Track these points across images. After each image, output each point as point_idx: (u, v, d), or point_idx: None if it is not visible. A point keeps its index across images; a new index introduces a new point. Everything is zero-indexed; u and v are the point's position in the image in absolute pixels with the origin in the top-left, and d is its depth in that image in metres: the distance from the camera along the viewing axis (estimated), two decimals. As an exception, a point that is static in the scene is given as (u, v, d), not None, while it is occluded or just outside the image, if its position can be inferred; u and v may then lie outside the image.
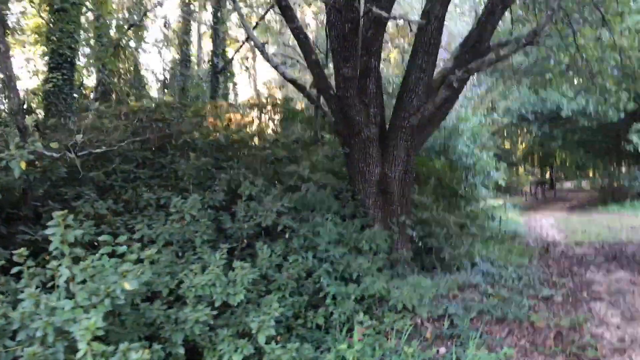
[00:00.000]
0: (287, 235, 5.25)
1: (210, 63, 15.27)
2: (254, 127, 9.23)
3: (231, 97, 21.67)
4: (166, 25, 13.73)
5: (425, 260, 8.07)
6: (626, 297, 7.25)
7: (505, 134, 26.87)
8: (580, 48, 11.89)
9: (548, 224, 17.79)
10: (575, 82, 14.59)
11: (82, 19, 11.76)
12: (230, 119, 8.24)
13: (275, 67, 7.48)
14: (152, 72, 15.83)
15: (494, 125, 27.04)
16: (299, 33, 6.78)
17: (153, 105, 7.45)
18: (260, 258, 4.97)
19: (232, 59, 11.31)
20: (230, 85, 21.26)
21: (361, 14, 6.28)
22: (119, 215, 5.17)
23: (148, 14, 14.61)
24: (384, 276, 5.62)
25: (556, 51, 13.68)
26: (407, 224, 7.10)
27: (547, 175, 40.13)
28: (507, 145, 35.16)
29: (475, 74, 6.99)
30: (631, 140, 19.82)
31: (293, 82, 7.49)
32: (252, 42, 7.63)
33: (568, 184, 39.27)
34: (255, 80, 30.95)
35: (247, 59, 24.12)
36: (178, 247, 4.49)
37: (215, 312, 3.59)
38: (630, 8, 11.38)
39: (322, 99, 7.54)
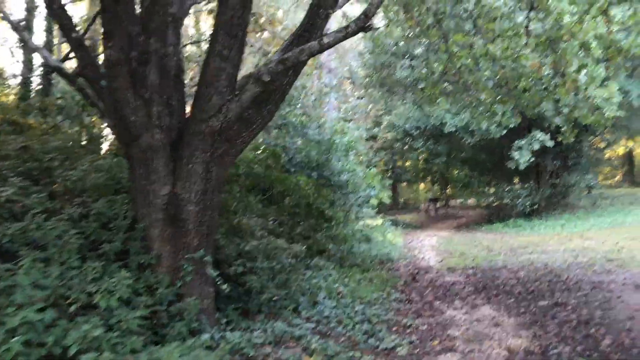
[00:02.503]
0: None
1: (43, 61, 12.96)
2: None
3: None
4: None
5: (250, 303, 6.39)
6: (483, 344, 5.92)
7: (393, 151, 26.12)
8: (452, 56, 10.87)
9: (429, 245, 16.80)
10: (451, 94, 13.66)
11: None
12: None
13: (35, 50, 5.59)
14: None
15: (380, 141, 26.31)
16: (52, 2, 4.94)
17: None
18: None
19: (70, 54, 9.17)
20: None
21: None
22: None
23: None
24: (132, 344, 3.83)
25: (430, 60, 12.70)
26: (207, 261, 5.37)
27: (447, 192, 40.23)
28: (405, 162, 34.75)
29: (293, 65, 5.42)
30: (513, 157, 19.45)
31: (58, 70, 5.62)
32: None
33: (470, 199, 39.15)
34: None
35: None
36: None
37: None
38: (502, 13, 10.43)
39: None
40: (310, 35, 6.00)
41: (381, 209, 33.54)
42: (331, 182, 13.81)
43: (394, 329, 6.55)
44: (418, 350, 5.77)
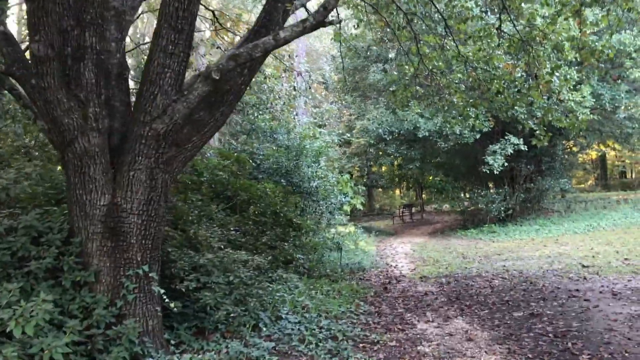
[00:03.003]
0: None
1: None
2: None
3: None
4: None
5: (206, 321, 5.89)
6: (455, 363, 5.52)
7: (367, 156, 25.71)
8: (423, 57, 10.56)
9: (403, 252, 16.44)
10: (423, 97, 13.33)
11: None
12: None
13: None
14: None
15: (354, 146, 25.92)
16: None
17: None
18: None
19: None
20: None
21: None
22: None
23: None
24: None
25: (402, 63, 12.43)
26: (152, 277, 4.87)
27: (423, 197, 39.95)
28: (380, 168, 34.43)
29: (247, 62, 4.97)
30: (487, 162, 19.24)
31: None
32: None
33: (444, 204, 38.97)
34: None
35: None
36: None
37: None
38: (473, 14, 10.17)
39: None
40: (267, 31, 5.59)
41: (356, 215, 33.28)
42: (301, 189, 13.38)
43: (361, 346, 6.11)
44: (385, 370, 5.35)
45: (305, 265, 10.38)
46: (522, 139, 18.86)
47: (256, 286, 6.59)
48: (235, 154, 11.46)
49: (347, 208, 20.45)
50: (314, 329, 6.42)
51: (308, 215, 13.39)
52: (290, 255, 10.00)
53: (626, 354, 5.38)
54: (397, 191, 47.59)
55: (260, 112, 15.12)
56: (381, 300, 8.87)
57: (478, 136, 19.27)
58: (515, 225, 20.31)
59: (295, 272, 9.85)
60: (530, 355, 5.56)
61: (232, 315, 5.94)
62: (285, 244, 10.20)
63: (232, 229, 8.32)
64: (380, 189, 42.60)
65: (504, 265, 11.82)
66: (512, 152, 19.15)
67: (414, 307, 8.31)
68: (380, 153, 22.90)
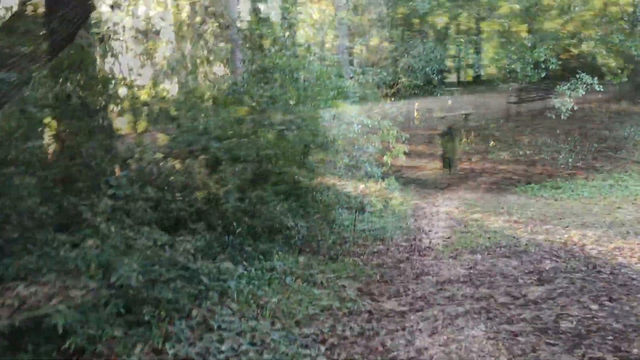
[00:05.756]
0: None
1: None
2: None
3: None
4: None
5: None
6: None
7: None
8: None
9: (445, 212, 13.99)
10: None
11: None
12: None
13: None
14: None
15: (396, 87, 23.10)
16: None
17: None
18: None
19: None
20: None
21: None
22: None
23: None
24: None
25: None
26: None
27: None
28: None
29: None
30: (553, 106, 16.24)
31: None
32: None
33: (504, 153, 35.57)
34: None
35: None
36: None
37: None
38: None
39: None
40: None
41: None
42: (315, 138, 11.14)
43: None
44: None
45: (301, 234, 8.28)
46: (596, 78, 15.64)
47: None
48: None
49: (387, 159, 18.06)
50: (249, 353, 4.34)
51: (323, 170, 11.19)
52: (280, 222, 7.91)
53: None
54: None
55: (281, 49, 12.85)
56: (386, 287, 6.69)
57: (543, 74, 16.22)
58: (584, 180, 17.32)
59: (285, 245, 7.84)
60: None
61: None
62: (278, 206, 8.10)
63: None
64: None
65: (562, 235, 9.29)
66: (584, 93, 16.04)
67: (424, 302, 6.09)
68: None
